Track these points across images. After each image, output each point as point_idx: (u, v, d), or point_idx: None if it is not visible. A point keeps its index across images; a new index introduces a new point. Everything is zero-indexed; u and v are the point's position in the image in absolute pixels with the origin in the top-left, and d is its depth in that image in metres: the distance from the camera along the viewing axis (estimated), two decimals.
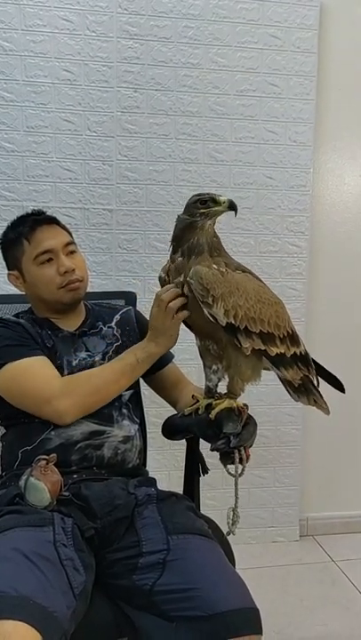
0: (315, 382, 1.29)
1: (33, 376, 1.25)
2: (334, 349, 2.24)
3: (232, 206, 1.16)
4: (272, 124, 2.12)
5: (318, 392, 1.29)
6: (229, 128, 2.09)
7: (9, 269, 1.40)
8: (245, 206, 2.12)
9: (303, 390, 1.26)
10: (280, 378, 1.26)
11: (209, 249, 1.17)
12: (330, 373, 1.33)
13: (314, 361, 1.30)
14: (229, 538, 1.21)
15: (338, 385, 1.33)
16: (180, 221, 1.19)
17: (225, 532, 1.19)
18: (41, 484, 1.13)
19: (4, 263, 1.43)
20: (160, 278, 1.26)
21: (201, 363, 1.27)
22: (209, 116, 2.07)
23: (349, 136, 2.24)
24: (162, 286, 1.26)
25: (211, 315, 1.14)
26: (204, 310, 1.14)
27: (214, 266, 1.15)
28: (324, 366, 1.34)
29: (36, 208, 1.45)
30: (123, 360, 1.29)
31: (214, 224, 1.19)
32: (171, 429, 1.36)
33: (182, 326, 1.29)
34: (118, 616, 1.07)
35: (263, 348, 1.18)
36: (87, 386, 1.25)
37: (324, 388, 1.34)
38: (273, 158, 2.13)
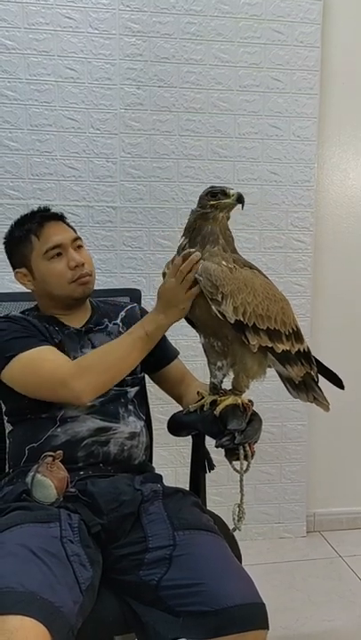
0: (316, 378, 1.29)
1: (45, 362, 1.24)
2: (339, 345, 2.23)
3: (240, 199, 1.17)
4: (276, 119, 2.11)
5: (319, 388, 1.29)
6: (233, 124, 2.09)
7: (16, 268, 1.40)
8: (250, 202, 2.11)
9: (303, 387, 1.27)
10: (280, 375, 1.26)
11: (224, 240, 1.18)
12: (329, 370, 1.33)
13: (314, 358, 1.30)
14: (235, 534, 1.22)
15: (337, 381, 1.33)
16: (193, 213, 1.20)
17: (231, 529, 1.19)
18: (47, 481, 1.14)
19: (7, 262, 1.43)
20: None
21: (206, 359, 1.27)
22: (212, 112, 2.07)
23: (354, 130, 2.23)
24: None
25: (219, 312, 1.14)
26: (213, 307, 1.14)
27: (223, 262, 1.15)
28: (327, 362, 1.34)
29: (41, 205, 1.46)
30: (132, 334, 1.25)
31: (228, 218, 1.19)
32: (176, 426, 1.36)
33: (186, 323, 1.29)
34: (125, 611, 1.07)
35: (270, 345, 1.17)
36: (99, 364, 1.23)
37: (328, 384, 1.34)
38: (277, 154, 2.12)
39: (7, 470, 1.34)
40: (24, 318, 1.35)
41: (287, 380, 1.26)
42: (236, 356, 1.19)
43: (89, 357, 1.26)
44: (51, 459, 1.18)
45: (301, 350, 1.23)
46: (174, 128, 2.05)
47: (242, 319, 1.13)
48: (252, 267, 1.21)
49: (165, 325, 1.25)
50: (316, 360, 1.31)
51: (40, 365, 1.24)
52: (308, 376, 1.26)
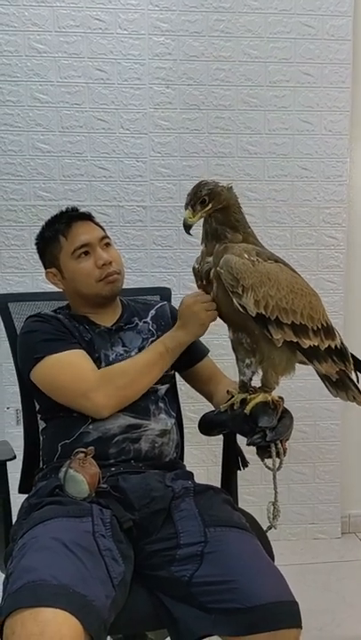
0: (352, 377, 1.26)
1: (70, 369, 1.27)
2: None
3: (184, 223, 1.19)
4: (306, 113, 2.08)
5: (357, 387, 1.26)
6: (263, 120, 2.07)
7: (46, 267, 1.43)
8: (280, 199, 2.10)
9: (342, 385, 1.24)
10: (318, 372, 1.23)
11: (228, 226, 1.18)
12: None
13: (353, 356, 1.27)
14: (269, 534, 1.20)
15: None
16: None
17: (266, 527, 1.19)
18: (80, 476, 1.15)
19: (40, 262, 1.46)
20: (194, 269, 1.26)
21: (235, 357, 1.26)
22: (242, 109, 2.06)
23: None
24: (195, 277, 1.26)
25: (240, 305, 1.13)
26: (234, 300, 1.13)
27: (245, 255, 1.14)
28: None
29: (69, 206, 1.48)
30: (153, 350, 1.30)
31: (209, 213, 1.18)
32: (207, 426, 1.36)
33: (219, 320, 1.29)
34: (157, 607, 1.08)
35: (295, 339, 1.16)
36: (121, 379, 1.26)
37: None
38: (308, 149, 2.10)
39: (41, 466, 1.37)
40: (55, 317, 1.37)
41: (325, 378, 1.23)
42: (263, 352, 1.18)
43: (111, 371, 1.28)
44: (83, 455, 1.19)
45: (333, 347, 1.21)
46: (203, 126, 2.05)
47: (263, 312, 1.12)
48: (277, 260, 1.20)
49: (186, 342, 1.30)
50: (355, 358, 1.28)
51: (64, 372, 1.27)
52: (343, 374, 1.24)
